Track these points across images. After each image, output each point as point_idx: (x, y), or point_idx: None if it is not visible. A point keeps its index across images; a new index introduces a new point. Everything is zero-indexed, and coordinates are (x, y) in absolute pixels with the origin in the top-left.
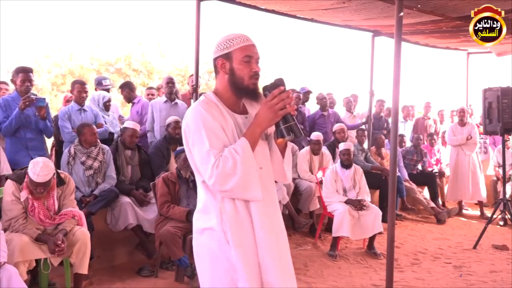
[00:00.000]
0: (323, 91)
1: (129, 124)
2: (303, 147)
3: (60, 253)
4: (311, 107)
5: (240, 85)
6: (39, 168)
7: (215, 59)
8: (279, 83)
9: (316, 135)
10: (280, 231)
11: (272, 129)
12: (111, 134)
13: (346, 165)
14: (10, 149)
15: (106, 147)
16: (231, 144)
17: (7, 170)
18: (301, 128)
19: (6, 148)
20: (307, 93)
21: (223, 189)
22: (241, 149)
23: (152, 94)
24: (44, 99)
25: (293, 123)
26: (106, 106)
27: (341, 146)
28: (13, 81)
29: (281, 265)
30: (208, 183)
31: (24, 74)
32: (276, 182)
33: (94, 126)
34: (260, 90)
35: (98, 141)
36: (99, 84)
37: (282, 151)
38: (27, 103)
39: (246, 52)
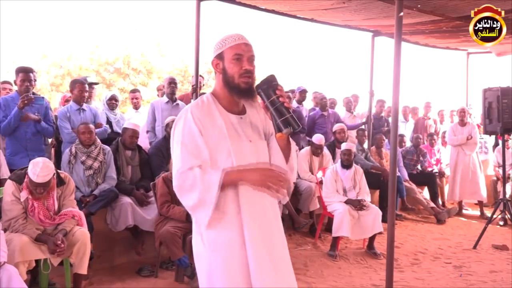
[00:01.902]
0: (318, 90)
1: (129, 124)
2: (303, 147)
3: (60, 253)
4: (308, 107)
5: (231, 83)
6: (39, 169)
7: (212, 60)
8: (271, 79)
9: (318, 140)
10: (277, 232)
11: (273, 129)
12: (118, 134)
13: (346, 165)
14: (9, 149)
15: (107, 147)
16: (214, 146)
17: (6, 174)
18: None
19: (6, 148)
20: (302, 92)
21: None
22: (208, 181)
23: (137, 98)
24: (43, 98)
25: (288, 115)
26: (109, 105)
27: (343, 146)
28: (15, 81)
29: (275, 267)
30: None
31: (24, 74)
32: None
33: (91, 125)
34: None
35: (98, 141)
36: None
37: (286, 147)
38: (25, 101)
39: (236, 50)
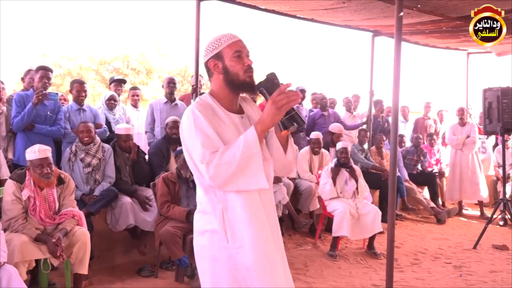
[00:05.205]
0: (317, 91)
1: (121, 130)
2: (303, 146)
3: (61, 257)
4: (306, 106)
5: (236, 81)
6: (36, 148)
7: (206, 62)
8: (271, 77)
9: (315, 134)
10: (276, 228)
11: None
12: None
13: (342, 164)
14: (19, 145)
15: (106, 145)
16: (226, 143)
17: (7, 174)
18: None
19: (17, 143)
20: (301, 92)
21: (223, 181)
22: (243, 140)
23: (137, 95)
24: (57, 94)
25: (293, 112)
26: (108, 105)
27: (339, 145)
28: (23, 79)
29: (284, 266)
30: (208, 179)
31: (43, 71)
32: (279, 181)
33: (90, 124)
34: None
35: (98, 138)
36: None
37: (285, 145)
38: (40, 97)
39: (235, 48)
